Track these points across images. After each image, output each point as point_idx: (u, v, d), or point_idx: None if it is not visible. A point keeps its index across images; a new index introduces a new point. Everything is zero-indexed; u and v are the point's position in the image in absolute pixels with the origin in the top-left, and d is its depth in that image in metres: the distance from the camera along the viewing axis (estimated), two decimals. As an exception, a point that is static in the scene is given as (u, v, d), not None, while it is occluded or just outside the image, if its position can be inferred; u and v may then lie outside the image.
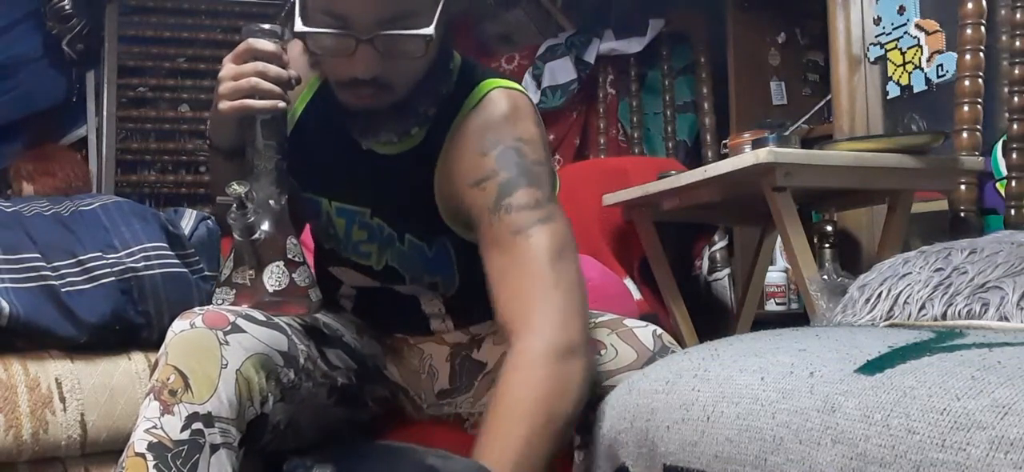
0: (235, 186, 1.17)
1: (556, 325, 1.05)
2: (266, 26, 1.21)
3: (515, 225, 1.12)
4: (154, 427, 1.05)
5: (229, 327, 1.12)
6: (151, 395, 1.08)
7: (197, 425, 1.05)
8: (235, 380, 1.09)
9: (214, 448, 1.06)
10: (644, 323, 1.23)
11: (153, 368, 1.12)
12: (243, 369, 1.10)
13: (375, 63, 1.13)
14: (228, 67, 1.19)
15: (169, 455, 1.04)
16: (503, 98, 1.22)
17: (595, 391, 1.11)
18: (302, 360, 1.20)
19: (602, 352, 1.17)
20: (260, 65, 1.17)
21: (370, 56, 1.12)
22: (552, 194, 1.17)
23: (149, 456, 1.04)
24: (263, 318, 1.17)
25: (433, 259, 1.29)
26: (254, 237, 1.18)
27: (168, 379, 1.08)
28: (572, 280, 1.09)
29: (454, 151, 1.20)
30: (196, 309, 1.16)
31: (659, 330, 1.20)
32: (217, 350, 1.10)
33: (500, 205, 1.13)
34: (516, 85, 1.26)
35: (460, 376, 1.37)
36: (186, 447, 1.04)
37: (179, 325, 1.13)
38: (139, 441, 1.05)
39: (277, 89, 1.17)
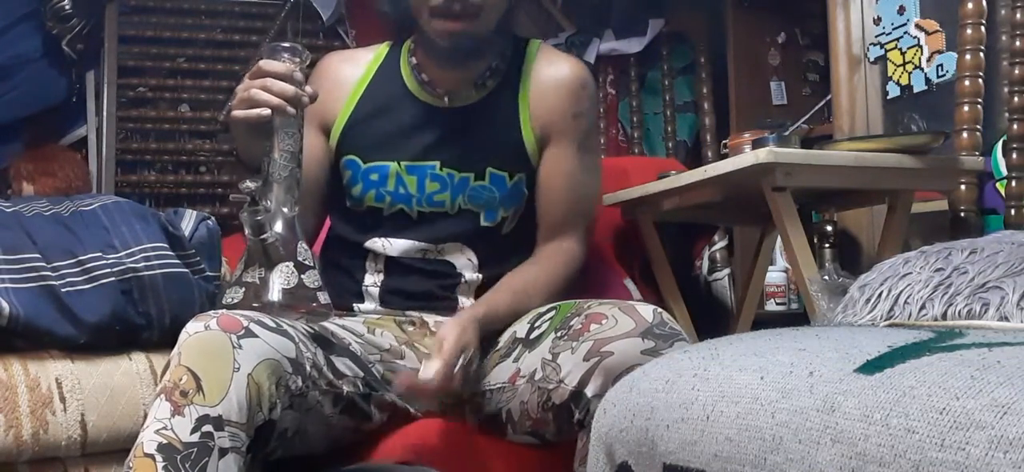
0: (248, 182, 1.24)
1: (584, 244, 1.52)
2: (286, 44, 1.31)
3: (591, 163, 1.52)
4: (164, 428, 1.05)
5: (243, 331, 1.13)
6: (162, 395, 1.08)
7: (207, 427, 1.06)
8: (246, 384, 1.10)
9: (223, 452, 1.06)
10: (645, 304, 1.26)
11: (165, 369, 1.13)
12: (255, 374, 1.11)
13: None
14: (243, 82, 1.30)
15: (178, 457, 1.04)
16: (556, 49, 1.60)
17: (594, 356, 1.18)
18: (308, 368, 1.21)
19: (603, 322, 1.21)
20: (267, 80, 1.26)
21: None
22: None
23: (158, 457, 1.04)
24: (274, 325, 1.18)
25: (512, 189, 1.48)
26: (264, 236, 1.22)
27: (180, 380, 1.08)
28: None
29: (546, 84, 1.49)
30: (210, 312, 1.17)
31: (659, 308, 1.24)
32: (230, 353, 1.10)
33: (586, 142, 1.51)
34: None
35: None
36: (196, 449, 1.05)
37: (193, 327, 1.14)
38: (148, 441, 1.05)
39: (275, 100, 1.24)
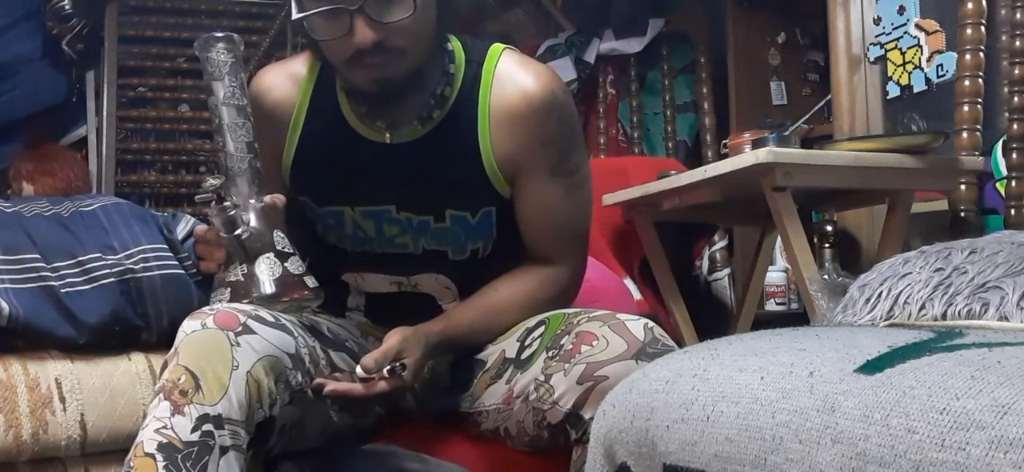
0: (211, 181, 1.23)
1: (577, 267, 1.41)
2: (219, 35, 1.28)
3: (573, 186, 1.36)
4: (164, 427, 1.05)
5: (240, 328, 1.13)
6: (161, 395, 1.08)
7: (207, 426, 1.06)
8: (245, 382, 1.09)
9: (223, 450, 1.06)
10: (636, 317, 1.23)
11: (163, 368, 1.12)
12: (253, 371, 1.11)
13: (371, 30, 1.20)
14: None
15: (179, 456, 1.04)
16: (520, 57, 1.37)
17: (588, 380, 1.15)
18: (308, 362, 1.20)
19: (594, 343, 1.18)
20: (199, 250, 1.29)
21: (365, 24, 1.19)
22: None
23: (159, 457, 1.04)
24: (272, 319, 1.18)
25: (476, 226, 1.36)
26: (238, 232, 1.21)
27: (179, 379, 1.08)
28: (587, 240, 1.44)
29: (506, 113, 1.31)
30: (206, 309, 1.16)
31: (650, 322, 1.21)
32: (228, 351, 1.10)
33: (562, 167, 1.34)
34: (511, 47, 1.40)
35: (463, 374, 1.38)
36: (196, 448, 1.05)
37: (190, 325, 1.13)
38: (148, 441, 1.05)
39: (212, 267, 1.26)
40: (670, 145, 3.41)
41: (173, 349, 1.12)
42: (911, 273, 1.09)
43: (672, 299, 2.32)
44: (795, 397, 0.74)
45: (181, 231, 1.63)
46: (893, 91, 2.46)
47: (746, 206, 2.11)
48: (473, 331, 1.34)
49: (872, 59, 2.51)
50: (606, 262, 2.29)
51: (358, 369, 1.21)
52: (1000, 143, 2.11)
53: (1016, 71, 1.96)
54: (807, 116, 3.09)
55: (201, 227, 1.27)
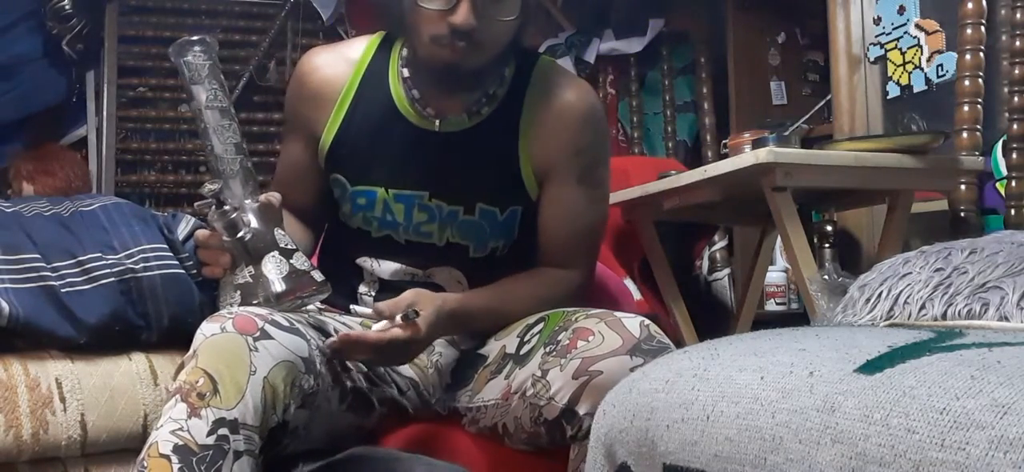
0: (209, 185, 1.23)
1: (586, 273, 1.47)
2: (195, 38, 1.28)
3: (596, 196, 1.45)
4: (180, 429, 1.06)
5: (258, 333, 1.13)
6: (178, 396, 1.08)
7: (223, 431, 1.06)
8: (262, 387, 1.10)
9: (238, 454, 1.07)
10: (632, 314, 1.25)
11: (179, 369, 1.13)
12: (270, 377, 1.11)
13: (473, 16, 1.26)
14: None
15: (194, 459, 1.04)
16: (565, 71, 1.51)
17: (582, 375, 1.17)
18: (318, 364, 1.21)
19: (590, 339, 1.20)
20: (201, 255, 1.31)
21: (470, 9, 1.26)
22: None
23: (174, 458, 1.04)
24: (287, 323, 1.19)
25: (503, 223, 1.42)
26: (240, 234, 1.22)
27: (197, 382, 1.08)
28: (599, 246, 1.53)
29: (547, 119, 1.39)
30: (225, 313, 1.17)
31: (647, 320, 1.23)
32: (247, 356, 1.11)
33: (589, 177, 1.42)
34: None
35: (464, 370, 1.39)
36: (211, 452, 1.05)
37: (209, 328, 1.14)
38: (164, 442, 1.05)
39: (218, 272, 1.28)
40: (670, 145, 3.41)
41: (191, 351, 1.12)
42: (911, 273, 1.09)
43: (672, 299, 2.32)
44: (795, 397, 0.74)
45: (182, 231, 1.63)
46: (893, 91, 2.46)
47: (746, 206, 2.11)
48: (486, 313, 1.38)
49: (872, 59, 2.51)
50: (606, 262, 2.29)
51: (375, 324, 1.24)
52: (1000, 143, 2.11)
53: (1016, 71, 1.96)
54: (807, 116, 3.09)
55: (202, 232, 1.28)
